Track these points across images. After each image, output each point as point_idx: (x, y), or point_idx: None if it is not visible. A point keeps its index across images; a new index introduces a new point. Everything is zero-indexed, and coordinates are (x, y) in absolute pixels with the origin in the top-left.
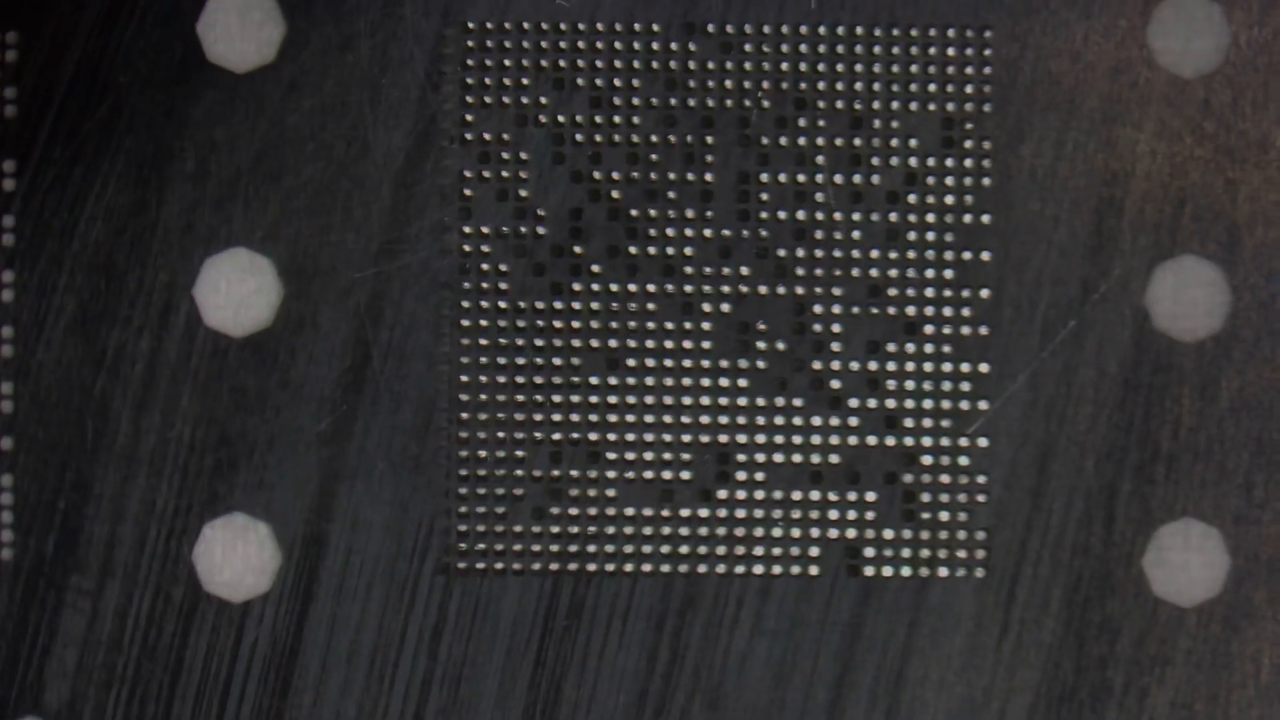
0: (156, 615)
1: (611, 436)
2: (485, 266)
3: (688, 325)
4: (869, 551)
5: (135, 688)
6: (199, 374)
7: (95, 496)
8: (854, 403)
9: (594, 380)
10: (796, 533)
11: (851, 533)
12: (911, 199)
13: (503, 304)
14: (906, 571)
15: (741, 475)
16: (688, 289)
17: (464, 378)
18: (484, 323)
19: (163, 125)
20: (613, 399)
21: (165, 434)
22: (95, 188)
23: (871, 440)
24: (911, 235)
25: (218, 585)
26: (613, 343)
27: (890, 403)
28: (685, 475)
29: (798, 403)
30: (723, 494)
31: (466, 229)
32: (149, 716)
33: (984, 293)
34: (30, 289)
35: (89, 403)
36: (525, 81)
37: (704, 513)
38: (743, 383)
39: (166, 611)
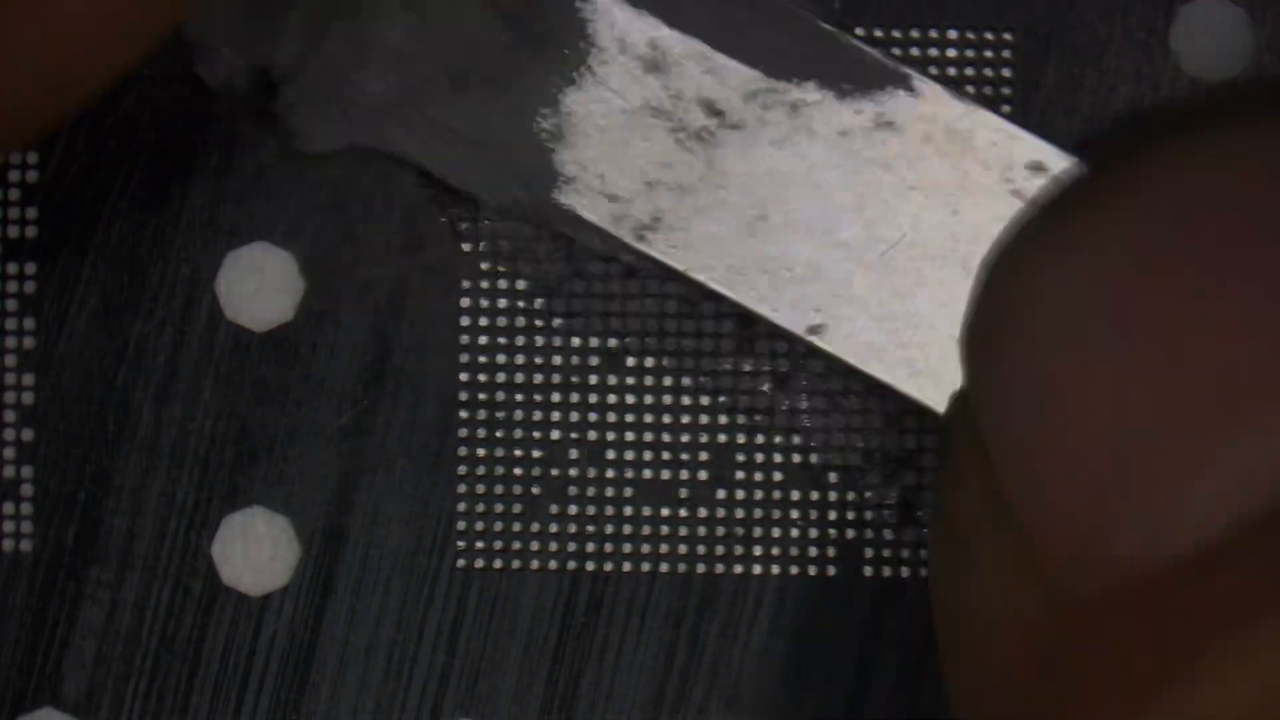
0: (175, 608)
1: (630, 435)
2: (503, 266)
3: (713, 326)
4: (887, 552)
5: (153, 680)
6: (220, 367)
7: (115, 488)
8: (872, 402)
9: (613, 379)
10: (814, 533)
11: (869, 533)
12: None
13: (521, 302)
14: (925, 571)
15: (760, 475)
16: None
17: (481, 375)
18: (502, 320)
19: (186, 118)
20: (630, 398)
21: (186, 427)
22: (118, 180)
23: (890, 439)
24: None
25: (236, 578)
26: (632, 340)
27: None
28: (703, 475)
29: (819, 403)
30: (741, 493)
31: (488, 220)
32: (166, 708)
33: None
34: (53, 281)
35: (110, 395)
36: None
37: (722, 512)
38: (762, 382)
39: (185, 604)
